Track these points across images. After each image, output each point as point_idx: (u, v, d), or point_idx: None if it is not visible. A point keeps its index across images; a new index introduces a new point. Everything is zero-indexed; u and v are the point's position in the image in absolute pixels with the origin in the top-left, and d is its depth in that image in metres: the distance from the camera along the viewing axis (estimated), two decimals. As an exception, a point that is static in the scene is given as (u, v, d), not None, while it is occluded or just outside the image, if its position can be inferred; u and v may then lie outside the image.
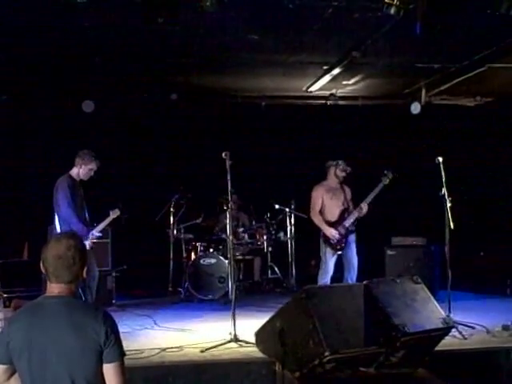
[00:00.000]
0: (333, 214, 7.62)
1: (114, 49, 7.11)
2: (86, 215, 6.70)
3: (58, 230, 6.35)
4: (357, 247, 7.62)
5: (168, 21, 5.28)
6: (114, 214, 6.98)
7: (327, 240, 7.50)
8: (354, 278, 7.44)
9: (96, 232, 6.70)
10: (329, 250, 7.51)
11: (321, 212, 7.63)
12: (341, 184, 7.72)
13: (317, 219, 7.59)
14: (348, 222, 7.53)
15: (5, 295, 7.29)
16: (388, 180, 7.45)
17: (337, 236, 7.46)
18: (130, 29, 6.26)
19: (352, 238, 7.60)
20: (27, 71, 7.91)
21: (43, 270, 2.87)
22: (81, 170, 6.64)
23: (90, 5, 5.13)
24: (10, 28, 6.20)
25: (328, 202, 7.64)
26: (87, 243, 6.28)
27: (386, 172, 7.48)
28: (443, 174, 6.43)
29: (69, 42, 6.74)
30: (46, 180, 6.81)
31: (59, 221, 6.41)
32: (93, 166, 6.67)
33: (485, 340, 5.84)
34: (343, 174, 7.65)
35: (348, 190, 7.75)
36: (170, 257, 9.25)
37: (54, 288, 2.85)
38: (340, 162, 7.65)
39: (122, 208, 7.05)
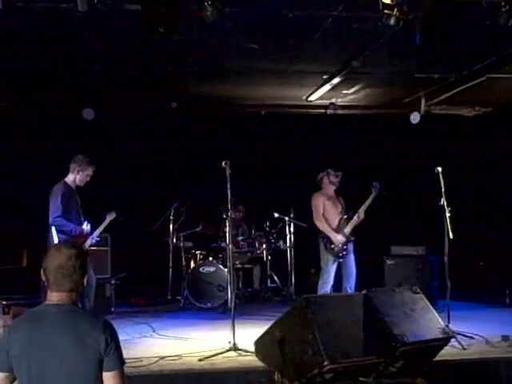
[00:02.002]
0: (333, 221, 7.69)
1: (114, 57, 7.13)
2: (83, 222, 6.66)
3: (55, 236, 6.25)
4: (355, 256, 7.65)
5: (168, 30, 5.29)
6: (110, 216, 6.86)
7: (329, 247, 7.52)
8: (353, 287, 7.46)
9: (95, 236, 6.65)
10: (330, 258, 7.53)
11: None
12: (336, 193, 7.85)
13: (323, 224, 7.61)
14: (348, 230, 7.57)
15: (4, 302, 7.27)
16: (378, 191, 7.51)
17: (342, 241, 7.50)
18: (130, 37, 6.27)
19: (351, 246, 7.66)
20: (27, 79, 7.92)
21: (44, 279, 2.88)
22: (77, 176, 6.55)
23: (90, 14, 5.13)
24: (10, 36, 6.21)
25: (329, 209, 7.73)
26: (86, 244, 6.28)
27: (374, 183, 7.55)
28: (442, 183, 6.45)
29: (68, 50, 6.75)
30: (45, 187, 6.79)
31: (50, 227, 6.34)
32: (89, 171, 6.59)
33: (484, 350, 5.82)
34: (337, 179, 7.78)
35: (342, 200, 7.92)
36: (169, 265, 9.25)
37: (54, 296, 2.86)
38: (329, 170, 7.82)
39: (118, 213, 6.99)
